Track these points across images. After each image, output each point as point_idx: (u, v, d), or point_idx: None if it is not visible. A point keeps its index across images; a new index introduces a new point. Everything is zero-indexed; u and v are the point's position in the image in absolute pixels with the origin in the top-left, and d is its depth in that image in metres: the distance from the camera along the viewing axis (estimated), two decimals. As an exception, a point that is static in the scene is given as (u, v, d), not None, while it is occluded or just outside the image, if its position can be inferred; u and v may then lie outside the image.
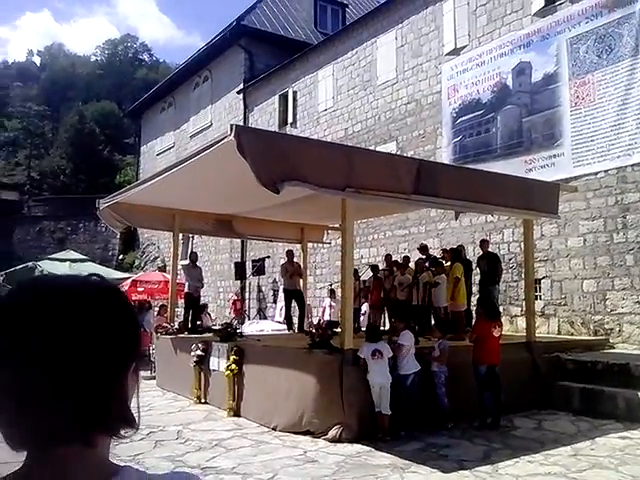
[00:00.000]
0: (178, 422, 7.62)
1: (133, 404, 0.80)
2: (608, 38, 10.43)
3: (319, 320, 12.03)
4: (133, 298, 16.22)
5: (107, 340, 0.73)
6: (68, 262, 16.44)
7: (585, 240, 10.58)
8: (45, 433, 0.71)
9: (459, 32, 13.37)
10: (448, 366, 7.13)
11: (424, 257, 10.92)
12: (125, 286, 16.18)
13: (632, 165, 9.95)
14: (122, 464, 0.79)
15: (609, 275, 10.14)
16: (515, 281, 11.58)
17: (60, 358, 0.70)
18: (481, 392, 7.08)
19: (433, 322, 10.06)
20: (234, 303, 17.92)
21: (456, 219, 9.81)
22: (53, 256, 18.23)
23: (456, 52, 13.43)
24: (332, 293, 13.09)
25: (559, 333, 10.73)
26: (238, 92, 21.21)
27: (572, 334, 10.50)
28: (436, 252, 11.86)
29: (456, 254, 10.27)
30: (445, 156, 13.27)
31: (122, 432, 0.77)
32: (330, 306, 12.84)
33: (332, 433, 6.48)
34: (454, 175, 8.35)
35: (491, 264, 10.17)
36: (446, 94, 13.49)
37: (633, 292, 9.78)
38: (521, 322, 10.67)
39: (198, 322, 11.87)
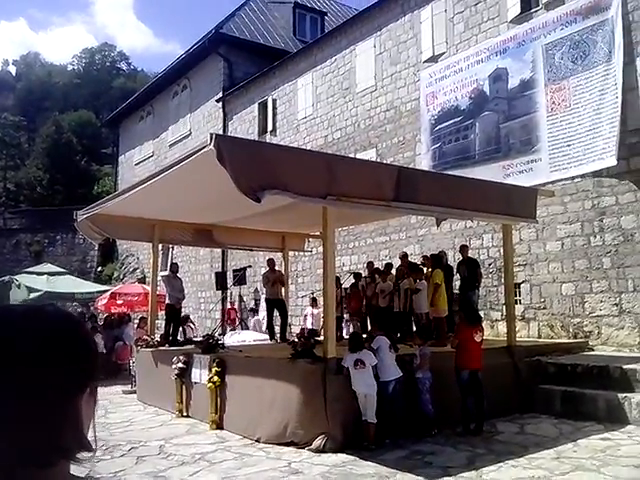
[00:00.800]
0: (160, 437, 7.51)
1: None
2: (582, 44, 10.61)
3: (302, 329, 11.97)
4: (112, 311, 16.06)
5: (57, 369, 0.76)
6: (46, 275, 16.19)
7: (563, 244, 10.71)
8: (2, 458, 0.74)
9: (437, 39, 13.50)
10: (431, 372, 7.14)
11: (405, 265, 10.95)
12: (104, 299, 16.00)
13: (607, 169, 10.10)
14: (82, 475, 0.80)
15: (587, 278, 10.27)
16: (495, 286, 11.66)
17: (8, 388, 0.73)
18: (464, 398, 7.10)
19: (415, 329, 10.07)
20: (228, 312, 17.59)
21: (437, 226, 9.85)
22: (30, 269, 17.94)
23: (434, 59, 13.56)
24: (314, 301, 13.05)
25: (539, 337, 10.82)
26: (217, 100, 21.16)
27: (552, 337, 10.60)
28: (417, 258, 11.89)
29: (436, 260, 10.30)
30: (424, 163, 13.36)
31: (78, 456, 0.78)
32: (312, 315, 12.80)
33: (316, 443, 6.44)
34: (434, 182, 8.40)
35: (471, 269, 10.25)
36: (424, 101, 13.61)
37: (611, 294, 9.92)
38: (502, 327, 10.74)
39: (184, 334, 11.77)
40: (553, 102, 11.01)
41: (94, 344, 0.85)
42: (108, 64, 64.04)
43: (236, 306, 18.17)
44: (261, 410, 7.17)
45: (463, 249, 10.68)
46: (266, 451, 6.61)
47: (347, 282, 12.11)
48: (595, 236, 10.24)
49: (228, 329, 15.48)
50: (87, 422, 0.81)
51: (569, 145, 10.67)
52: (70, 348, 0.79)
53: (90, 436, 0.83)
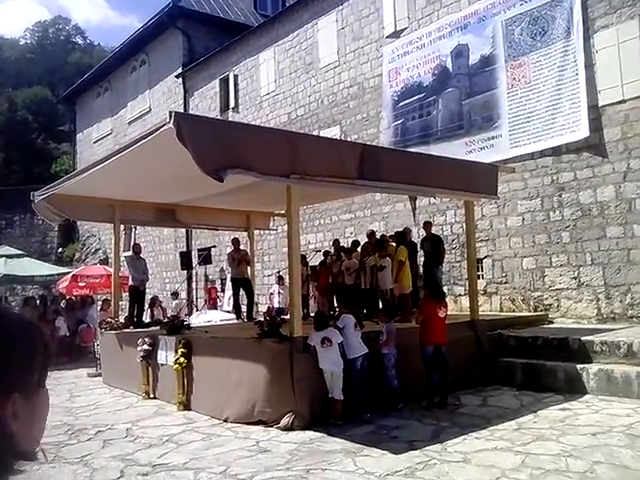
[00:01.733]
0: (127, 419, 7.45)
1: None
2: (541, 20, 10.69)
3: (268, 308, 11.96)
4: (74, 293, 15.75)
5: None
6: (3, 258, 15.72)
7: (524, 219, 10.92)
8: None
9: (399, 14, 13.41)
10: (396, 348, 7.24)
11: (370, 242, 11.00)
12: (65, 281, 15.66)
13: (566, 144, 10.29)
14: None
15: (547, 252, 10.52)
16: (458, 261, 11.85)
17: None
18: (428, 372, 7.23)
19: (380, 306, 10.18)
20: (209, 291, 17.01)
21: (413, 201, 9.86)
22: (-13, 252, 17.37)
23: (396, 35, 13.48)
24: (280, 279, 13.04)
25: (501, 310, 11.08)
26: (177, 76, 20.68)
27: (513, 311, 10.87)
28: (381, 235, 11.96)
29: (400, 237, 10.40)
30: (386, 139, 13.36)
31: (15, 466, 0.75)
32: (279, 293, 12.80)
33: (284, 421, 6.49)
34: (397, 159, 8.42)
35: (434, 246, 10.37)
36: (387, 77, 13.55)
37: (569, 268, 10.19)
38: (465, 301, 10.95)
39: (152, 316, 11.64)
40: (513, 78, 11.11)
41: (19, 346, 0.77)
42: (62, 38, 61.65)
43: (217, 285, 17.88)
44: (228, 390, 7.17)
45: (427, 225, 10.78)
46: (234, 431, 6.63)
47: (314, 260, 12.13)
48: (554, 211, 10.46)
49: (202, 309, 15.37)
50: (29, 428, 0.77)
51: (529, 121, 10.81)
52: None
53: (37, 441, 0.80)
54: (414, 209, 12.71)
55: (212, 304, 16.00)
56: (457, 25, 12.20)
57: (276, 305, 12.45)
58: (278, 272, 13.83)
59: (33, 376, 0.78)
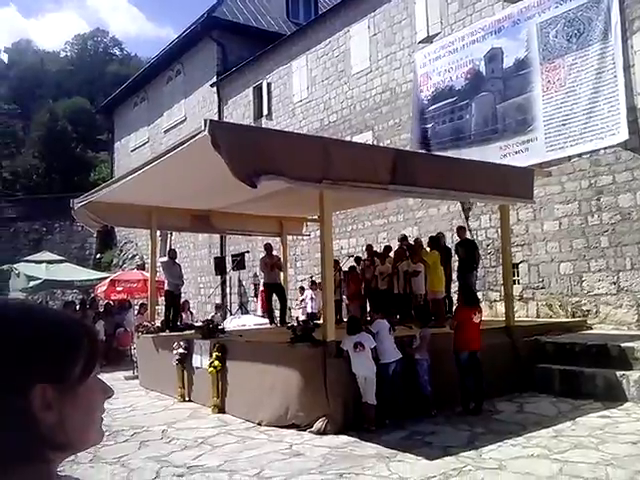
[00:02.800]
0: (162, 421, 7.58)
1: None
2: (577, 22, 10.52)
3: (307, 314, 11.91)
4: (112, 297, 16.10)
5: None
6: (44, 264, 16.20)
7: (560, 223, 10.72)
8: None
9: (431, 20, 13.37)
10: (429, 353, 7.19)
11: (404, 247, 10.97)
12: (103, 286, 16.03)
13: (604, 148, 10.08)
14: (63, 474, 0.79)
15: (585, 257, 10.30)
16: (493, 266, 11.70)
17: None
18: (463, 378, 7.15)
19: (414, 311, 10.12)
20: (261, 294, 14.93)
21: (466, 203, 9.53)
22: (29, 258, 17.94)
23: (429, 40, 13.44)
24: (313, 284, 13.09)
25: (538, 316, 10.88)
26: (212, 85, 21.00)
27: (550, 317, 10.66)
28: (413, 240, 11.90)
29: (434, 242, 10.34)
30: (414, 143, 13.30)
31: (50, 456, 0.77)
32: (312, 298, 12.84)
33: (317, 425, 6.50)
34: (430, 163, 8.39)
35: (469, 251, 10.26)
36: (419, 82, 13.51)
37: (608, 273, 9.95)
38: (500, 307, 10.79)
39: (180, 320, 11.80)
40: (548, 81, 10.94)
41: (52, 338, 0.80)
42: (101, 50, 63.40)
43: (251, 291, 17.55)
44: (262, 394, 7.23)
45: (460, 230, 10.68)
46: (268, 434, 6.68)
47: (346, 265, 12.14)
48: (593, 215, 10.24)
49: (229, 314, 15.50)
50: (70, 420, 0.79)
51: (564, 124, 10.63)
52: (6, 345, 0.76)
53: (84, 435, 0.82)
54: (464, 210, 12.43)
55: (264, 310, 14.27)
56: (491, 29, 12.09)
57: (309, 310, 12.49)
58: (311, 277, 13.88)
59: (73, 369, 0.80)
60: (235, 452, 5.97)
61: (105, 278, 16.83)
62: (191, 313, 13.86)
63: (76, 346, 0.82)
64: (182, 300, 13.79)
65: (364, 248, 12.89)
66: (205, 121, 6.11)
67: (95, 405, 0.85)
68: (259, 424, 7.13)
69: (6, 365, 0.76)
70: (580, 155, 10.44)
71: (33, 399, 0.76)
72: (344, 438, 6.23)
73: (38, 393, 0.76)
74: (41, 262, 16.45)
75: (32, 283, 14.92)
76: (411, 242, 11.33)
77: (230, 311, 17.27)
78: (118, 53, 65.10)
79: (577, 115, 10.43)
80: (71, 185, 34.42)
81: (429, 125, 13.19)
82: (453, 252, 10.76)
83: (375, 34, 14.89)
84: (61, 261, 17.26)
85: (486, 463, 5.16)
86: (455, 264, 10.75)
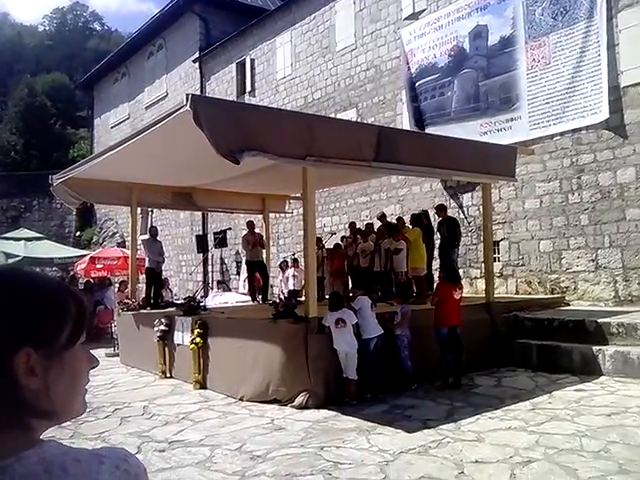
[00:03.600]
0: (143, 398, 7.58)
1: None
2: (563, 0, 10.48)
3: (289, 291, 11.83)
4: (92, 275, 15.97)
5: None
6: (23, 241, 15.98)
7: (542, 202, 10.80)
8: None
9: (417, -4, 13.23)
10: (410, 329, 7.25)
11: (384, 224, 10.99)
12: (83, 263, 15.88)
13: (586, 127, 10.13)
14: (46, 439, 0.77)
15: (564, 235, 10.42)
16: (474, 244, 11.78)
17: None
18: (443, 353, 7.24)
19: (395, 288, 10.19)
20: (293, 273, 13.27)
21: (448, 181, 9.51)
22: (7, 235, 17.66)
23: (414, 16, 13.32)
24: (295, 262, 13.08)
25: (517, 293, 11.02)
26: (194, 61, 20.67)
27: (530, 293, 10.80)
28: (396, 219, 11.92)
29: (415, 219, 10.36)
30: (404, 121, 13.25)
31: (32, 423, 0.76)
32: (294, 276, 12.85)
33: (299, 400, 6.55)
34: (414, 141, 8.38)
35: (451, 228, 10.31)
36: (404, 59, 13.41)
37: (587, 251, 10.08)
38: (480, 284, 10.90)
39: (161, 297, 11.74)
40: (533, 59, 10.93)
41: (38, 302, 0.78)
42: (81, 24, 61.94)
43: (233, 268, 17.54)
44: (244, 370, 7.25)
45: (440, 209, 10.65)
46: (249, 409, 6.71)
47: (329, 243, 12.14)
48: (573, 193, 10.33)
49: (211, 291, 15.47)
50: (54, 388, 0.78)
51: (547, 103, 10.65)
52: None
53: (69, 403, 0.81)
54: (447, 188, 12.43)
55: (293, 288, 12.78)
56: (477, 6, 12.00)
57: (291, 287, 12.50)
58: (293, 254, 13.87)
59: (59, 335, 0.79)
60: (216, 427, 6.00)
61: (85, 255, 16.66)
62: (171, 291, 13.80)
63: (63, 312, 0.80)
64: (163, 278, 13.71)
65: (347, 226, 12.88)
66: (187, 96, 6.02)
67: (80, 374, 0.83)
68: (241, 399, 7.16)
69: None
70: (562, 134, 10.49)
71: (17, 363, 0.74)
72: (325, 412, 6.29)
73: (22, 357, 0.74)
74: (20, 239, 16.22)
75: (10, 260, 14.72)
76: (392, 220, 11.36)
77: (212, 289, 17.23)
78: (98, 28, 63.71)
79: (560, 93, 10.45)
80: (50, 162, 33.85)
81: (416, 104, 13.12)
82: (435, 230, 10.81)
83: (361, 10, 14.71)
84: (40, 238, 17.03)
85: (465, 435, 5.24)
86: (437, 242, 10.81)
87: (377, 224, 11.38)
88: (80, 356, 0.83)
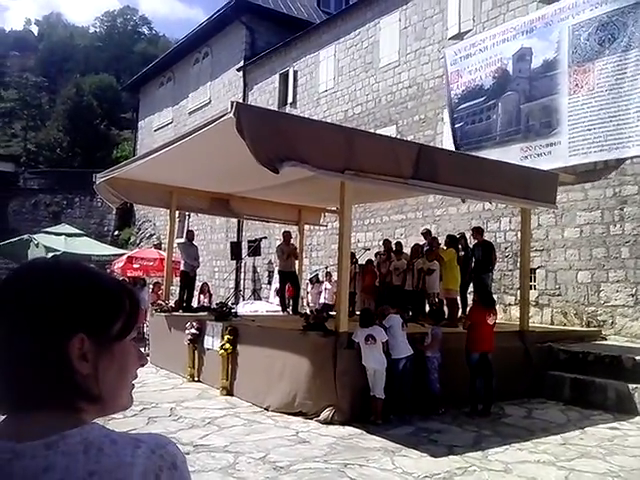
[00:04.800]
0: (171, 399, 7.65)
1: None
2: (611, 26, 10.31)
3: (321, 305, 11.84)
4: (128, 274, 16.23)
5: (41, 311, 0.79)
6: (63, 236, 16.35)
7: (582, 231, 10.59)
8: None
9: (464, 16, 13.22)
10: (441, 352, 7.16)
11: (426, 242, 10.88)
12: (120, 262, 16.17)
13: (631, 157, 9.92)
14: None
15: (604, 267, 10.17)
16: (510, 270, 11.60)
17: (10, 327, 0.79)
18: (473, 379, 7.12)
19: (427, 309, 10.09)
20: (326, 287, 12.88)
21: (463, 201, 9.57)
22: (49, 230, 18.11)
23: (460, 36, 13.29)
24: (328, 275, 13.08)
25: (552, 323, 10.79)
26: (238, 70, 20.99)
27: (565, 324, 10.56)
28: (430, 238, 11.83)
29: (451, 240, 10.27)
30: (446, 142, 13.19)
31: (81, 405, 0.80)
32: (326, 289, 12.84)
33: (324, 415, 6.52)
34: (453, 161, 8.31)
35: (486, 252, 10.16)
36: (448, 79, 13.37)
37: (627, 284, 9.83)
38: (514, 311, 10.72)
39: (204, 300, 11.88)
40: (576, 85, 10.76)
41: (97, 293, 0.84)
42: (130, 28, 63.64)
43: (265, 277, 17.48)
44: (271, 379, 7.26)
45: (476, 231, 10.48)
46: (274, 419, 6.71)
47: (362, 259, 12.11)
48: (615, 225, 10.10)
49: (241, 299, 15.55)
50: (103, 375, 0.82)
51: (589, 130, 10.44)
52: (60, 292, 0.80)
53: (117, 392, 0.86)
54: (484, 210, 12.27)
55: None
56: (523, 29, 11.91)
57: (322, 301, 12.49)
58: (326, 268, 13.87)
59: (112, 326, 0.84)
60: (241, 434, 6.02)
61: (122, 254, 16.97)
62: (210, 295, 13.91)
63: (118, 305, 0.86)
64: (201, 282, 13.87)
65: (381, 243, 12.82)
66: (231, 103, 6.11)
67: (129, 368, 0.88)
68: (266, 409, 7.17)
69: (53, 310, 0.79)
70: (605, 162, 10.28)
71: (71, 347, 0.79)
72: (350, 429, 6.25)
73: (77, 343, 0.79)
74: (60, 234, 16.60)
75: (50, 254, 15.06)
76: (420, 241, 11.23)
77: (243, 297, 17.34)
78: (146, 32, 65.35)
79: (604, 121, 10.25)
80: (93, 161, 34.75)
81: (459, 125, 13.05)
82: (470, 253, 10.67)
83: (406, 27, 14.75)
84: (80, 235, 17.41)
85: (492, 465, 5.14)
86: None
87: (415, 241, 11.27)
88: (130, 350, 0.88)
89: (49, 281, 0.81)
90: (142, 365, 0.92)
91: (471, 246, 10.69)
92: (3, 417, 0.80)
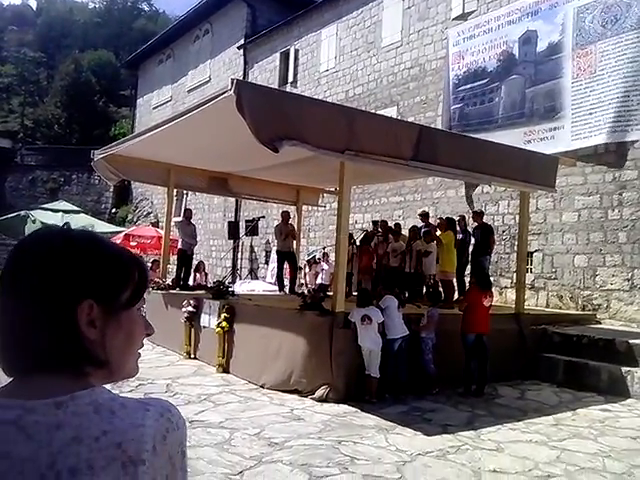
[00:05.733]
0: (167, 376, 7.70)
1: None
2: (615, 7, 10.20)
3: (318, 285, 11.87)
4: (126, 252, 16.21)
5: (52, 276, 0.80)
6: (61, 213, 16.28)
7: (580, 215, 10.59)
8: (14, 361, 0.82)
9: (468, -4, 13.06)
10: (436, 333, 7.21)
11: (424, 224, 10.89)
12: (118, 239, 16.15)
13: (633, 142, 9.88)
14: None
15: (601, 251, 10.20)
16: (507, 253, 11.62)
17: (22, 291, 0.81)
18: (468, 360, 7.18)
19: (425, 290, 10.12)
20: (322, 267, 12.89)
21: (472, 189, 9.39)
22: (46, 206, 18.04)
23: (463, 17, 13.15)
24: (325, 256, 13.10)
25: (547, 306, 10.84)
26: (239, 48, 20.79)
27: (560, 308, 10.62)
28: (431, 221, 11.84)
29: (450, 223, 10.27)
30: (443, 123, 13.12)
31: (88, 369, 0.82)
32: (323, 270, 12.86)
33: (319, 393, 6.57)
34: (454, 143, 8.26)
35: (484, 235, 10.18)
36: (451, 60, 13.26)
37: (623, 269, 9.86)
38: (510, 294, 10.76)
39: (200, 279, 11.91)
40: (579, 68, 10.68)
41: (107, 260, 0.85)
42: (129, 4, 62.86)
43: (262, 257, 17.47)
44: (267, 357, 7.31)
45: (475, 215, 10.48)
46: (270, 397, 6.77)
47: (359, 240, 12.10)
48: (613, 210, 10.10)
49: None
50: (110, 341, 0.84)
51: (591, 113, 10.40)
52: (65, 261, 0.82)
53: (123, 360, 0.87)
54: (468, 197, 12.38)
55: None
56: (528, 10, 11.79)
57: (319, 281, 12.52)
58: (324, 248, 13.88)
59: (121, 294, 0.85)
60: (237, 411, 6.07)
61: (120, 232, 16.96)
62: (206, 274, 13.92)
63: (127, 274, 0.87)
64: (197, 261, 13.88)
65: (374, 223, 12.75)
66: (231, 80, 6.05)
67: (135, 336, 0.89)
68: (262, 386, 7.22)
69: (64, 276, 0.81)
70: (607, 147, 10.25)
71: (80, 313, 0.81)
72: (344, 407, 6.30)
73: (85, 309, 0.81)
74: (57, 211, 16.53)
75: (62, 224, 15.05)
76: (431, 221, 11.25)
77: (240, 276, 17.37)
78: (146, 8, 64.59)
79: (604, 104, 10.19)
80: (91, 138, 34.54)
81: (458, 105, 12.98)
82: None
83: (409, 7, 14.59)
84: (77, 212, 17.36)
85: (484, 444, 5.20)
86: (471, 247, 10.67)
87: (410, 224, 11.30)
88: (137, 319, 0.89)
89: (61, 248, 0.83)
90: (148, 334, 0.93)
91: (470, 229, 10.70)
92: (10, 380, 0.82)
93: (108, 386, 0.86)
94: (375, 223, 12.52)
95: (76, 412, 0.77)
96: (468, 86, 12.82)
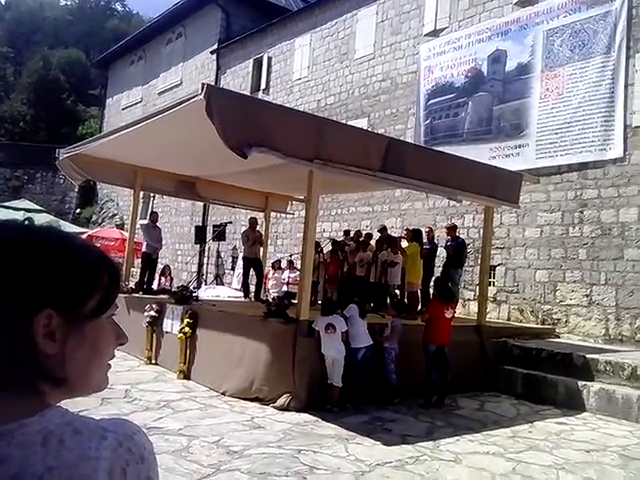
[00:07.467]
0: (126, 381, 7.54)
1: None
2: (583, 33, 10.55)
3: (283, 293, 11.81)
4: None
5: (4, 280, 0.69)
6: (22, 211, 15.92)
7: (542, 231, 10.83)
8: None
9: (440, 13, 13.31)
10: (399, 344, 7.25)
11: (383, 238, 10.97)
12: (81, 241, 15.85)
13: (594, 162, 10.18)
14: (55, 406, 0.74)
15: (561, 267, 10.44)
16: (471, 266, 11.78)
17: None
18: (429, 371, 7.24)
19: (389, 301, 10.17)
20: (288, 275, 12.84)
21: (459, 201, 9.40)
22: (7, 204, 17.65)
23: (435, 33, 13.38)
24: (290, 264, 13.07)
25: (509, 319, 11.03)
26: (212, 52, 20.72)
27: (521, 321, 10.82)
28: (398, 232, 11.95)
29: (416, 234, 10.37)
30: (414, 136, 13.29)
31: (44, 388, 0.72)
32: (288, 277, 12.82)
33: (281, 401, 6.54)
34: (422, 156, 8.39)
35: (457, 249, 10.24)
36: (422, 75, 13.46)
37: (583, 285, 10.11)
38: (473, 306, 10.91)
39: (165, 283, 11.74)
40: (547, 89, 10.99)
41: (68, 265, 0.74)
42: (102, 3, 61.94)
43: (229, 263, 17.40)
44: (229, 364, 7.24)
45: (449, 229, 10.55)
46: (231, 404, 6.70)
47: (327, 248, 12.12)
48: (574, 227, 10.37)
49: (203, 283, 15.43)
50: (72, 355, 0.73)
51: (557, 133, 10.70)
52: (22, 260, 0.71)
53: (87, 375, 0.77)
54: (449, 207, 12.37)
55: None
56: (498, 30, 12.07)
57: (285, 289, 12.48)
58: (290, 256, 13.85)
59: (87, 302, 0.75)
60: (196, 418, 5.98)
61: (83, 233, 16.62)
62: (171, 278, 13.77)
63: (94, 278, 0.76)
64: (163, 265, 13.71)
65: (350, 234, 12.78)
66: (202, 85, 6.02)
67: (102, 348, 0.78)
68: (223, 394, 7.15)
69: (18, 280, 0.70)
70: (569, 166, 10.53)
71: (36, 324, 0.70)
72: (306, 416, 6.28)
73: (43, 319, 0.70)
74: (19, 209, 16.19)
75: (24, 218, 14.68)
76: (392, 233, 11.33)
77: (205, 281, 17.19)
78: (120, 9, 63.68)
79: (570, 125, 10.50)
80: (57, 136, 33.81)
81: (428, 121, 13.17)
82: (440, 249, 10.72)
83: (382, 21, 14.77)
84: (40, 211, 17.00)
85: (443, 455, 5.24)
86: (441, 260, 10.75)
87: (377, 235, 11.36)
88: (106, 329, 0.79)
89: (17, 246, 0.71)
90: (121, 344, 0.82)
91: (443, 243, 10.73)
92: None
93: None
94: (347, 233, 12.54)
95: (22, 443, 0.67)
96: (436, 100, 13.03)
